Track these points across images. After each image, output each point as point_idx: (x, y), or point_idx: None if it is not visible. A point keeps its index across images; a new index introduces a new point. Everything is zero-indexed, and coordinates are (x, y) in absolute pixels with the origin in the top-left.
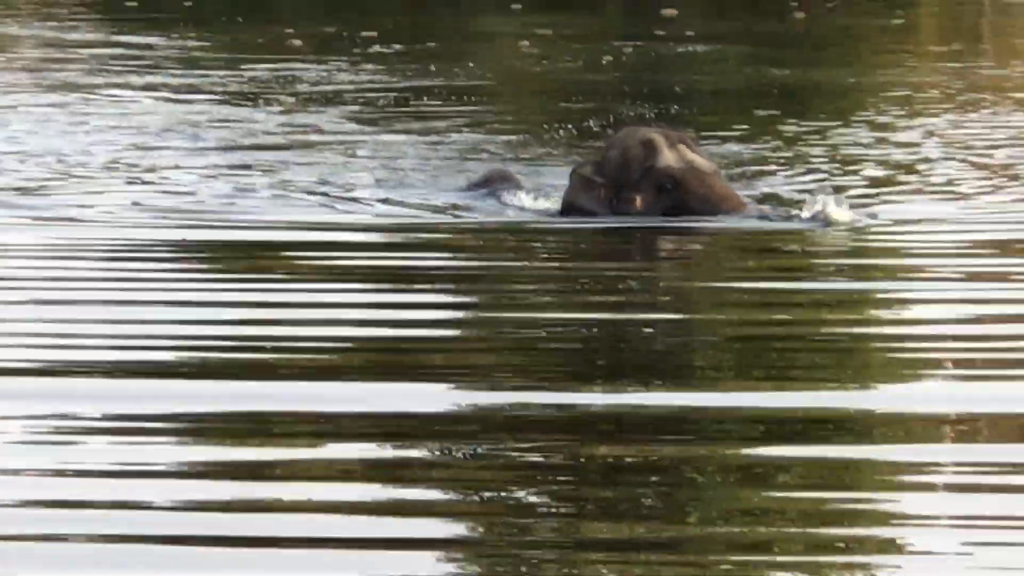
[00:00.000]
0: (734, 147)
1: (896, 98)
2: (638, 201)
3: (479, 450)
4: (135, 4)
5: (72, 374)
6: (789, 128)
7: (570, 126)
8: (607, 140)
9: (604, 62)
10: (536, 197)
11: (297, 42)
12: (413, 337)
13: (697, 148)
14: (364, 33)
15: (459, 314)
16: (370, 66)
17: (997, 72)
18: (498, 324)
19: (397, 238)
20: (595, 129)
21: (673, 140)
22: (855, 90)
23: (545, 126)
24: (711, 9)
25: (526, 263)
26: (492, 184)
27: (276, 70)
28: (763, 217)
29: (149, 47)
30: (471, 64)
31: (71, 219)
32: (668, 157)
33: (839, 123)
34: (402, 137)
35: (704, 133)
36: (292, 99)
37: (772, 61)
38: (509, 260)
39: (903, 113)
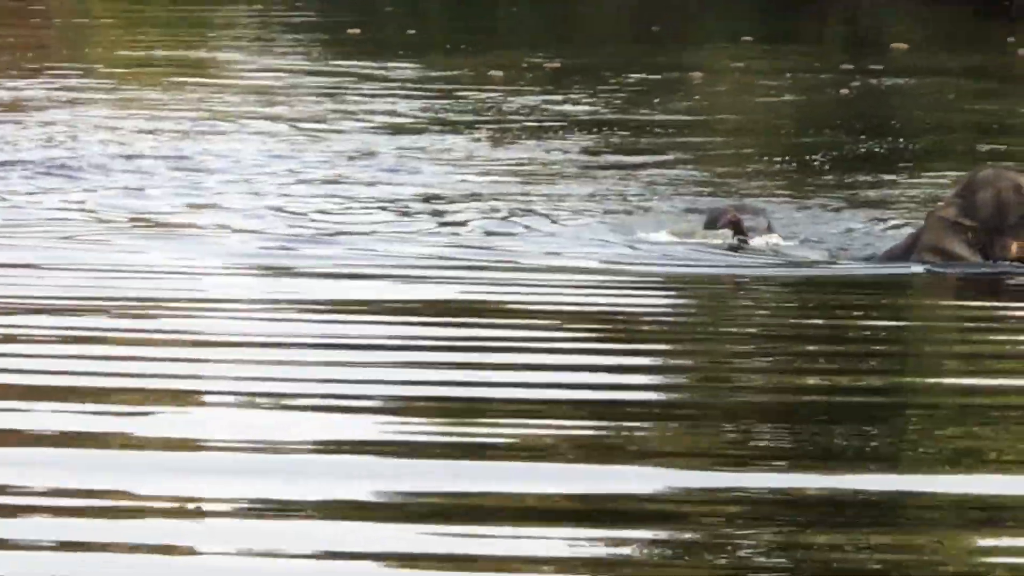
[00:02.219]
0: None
1: None
2: (1014, 248)
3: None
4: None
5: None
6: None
7: (793, 161)
8: (966, 182)
9: (827, 96)
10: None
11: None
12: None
13: None
14: (604, 71)
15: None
16: (607, 98)
17: None
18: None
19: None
20: (818, 164)
21: None
22: None
23: (768, 160)
24: (937, 43)
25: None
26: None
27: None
28: None
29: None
30: (696, 96)
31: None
32: None
33: None
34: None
35: (927, 167)
36: (525, 129)
37: (994, 95)
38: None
39: None
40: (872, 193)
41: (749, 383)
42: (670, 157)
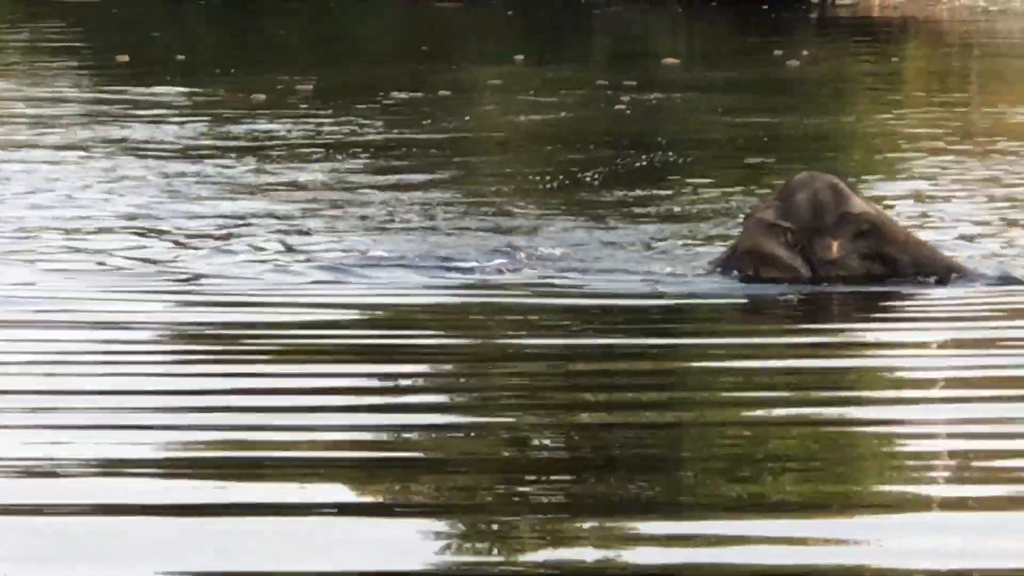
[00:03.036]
0: (734, 197)
1: (890, 143)
2: (835, 247)
3: None
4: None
5: None
6: (780, 176)
7: (563, 178)
8: (783, 186)
9: (599, 111)
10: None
11: (300, 91)
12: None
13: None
14: (372, 91)
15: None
16: (376, 118)
17: (991, 115)
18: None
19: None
20: (590, 181)
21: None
22: (845, 136)
23: (539, 178)
24: (707, 58)
25: None
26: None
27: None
28: (981, 276)
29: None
30: (466, 117)
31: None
32: (859, 202)
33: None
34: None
35: (692, 181)
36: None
37: (764, 109)
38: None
39: (897, 158)
40: (642, 209)
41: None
42: (444, 176)
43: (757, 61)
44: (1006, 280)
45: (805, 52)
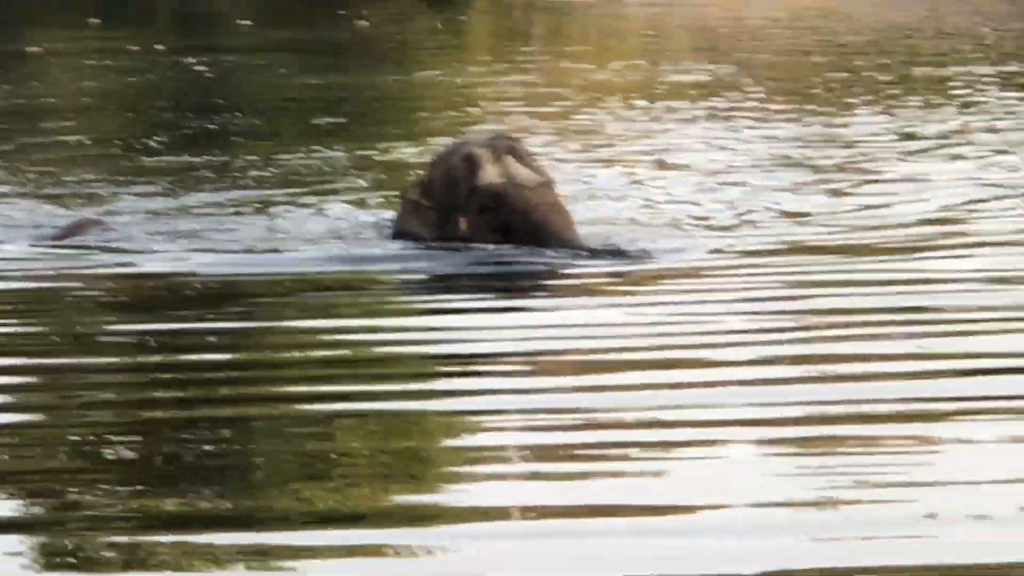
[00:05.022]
0: (312, 158)
1: (458, 101)
2: (463, 224)
3: None
4: None
5: None
6: (350, 136)
7: (135, 144)
8: (433, 158)
9: (171, 75)
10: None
11: None
12: None
13: (527, 157)
14: None
15: None
16: None
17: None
18: None
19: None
20: (161, 146)
21: (500, 151)
22: (414, 94)
23: (110, 145)
24: (278, 19)
25: None
26: (84, 232)
27: None
28: (589, 250)
29: None
30: (35, 81)
31: None
32: (490, 172)
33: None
34: None
35: (263, 143)
36: None
37: (335, 69)
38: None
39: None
40: (214, 174)
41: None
42: (7, 147)
43: (325, 21)
44: (616, 255)
45: (365, 11)
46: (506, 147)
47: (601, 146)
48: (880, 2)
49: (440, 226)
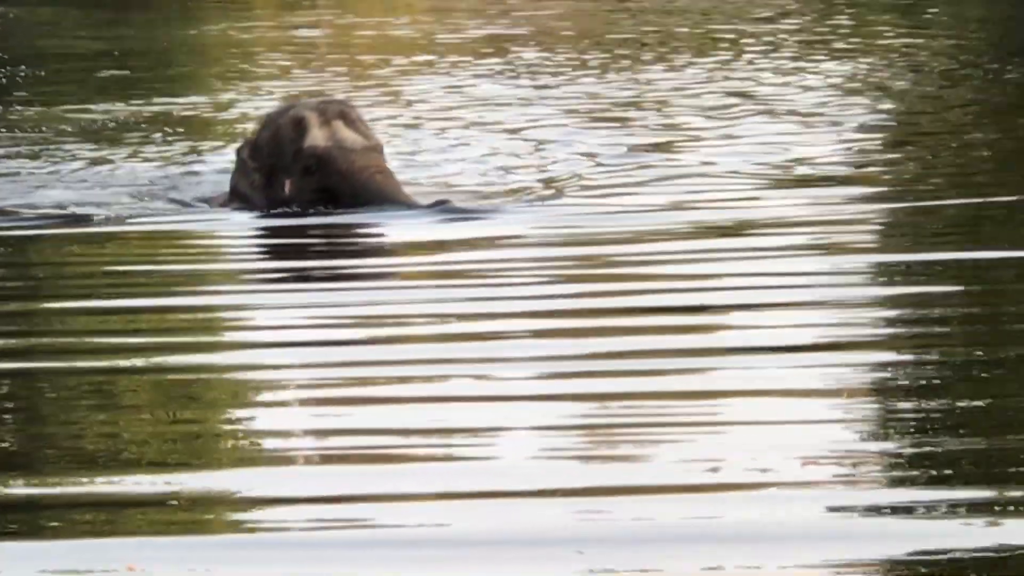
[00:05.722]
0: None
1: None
2: (287, 186)
3: None
4: None
5: None
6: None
7: None
8: (262, 118)
9: None
10: None
11: None
12: None
13: (358, 122)
14: None
15: None
16: None
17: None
18: None
19: None
20: None
21: (329, 115)
22: (199, 48)
23: None
24: None
25: None
26: None
27: None
28: (404, 204)
29: None
30: None
31: None
32: (317, 135)
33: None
34: None
35: (43, 97)
36: None
37: (113, 24)
38: None
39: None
40: None
41: None
42: None
43: None
44: (448, 211)
45: None
46: (336, 111)
47: (397, 104)
48: None
49: (265, 187)
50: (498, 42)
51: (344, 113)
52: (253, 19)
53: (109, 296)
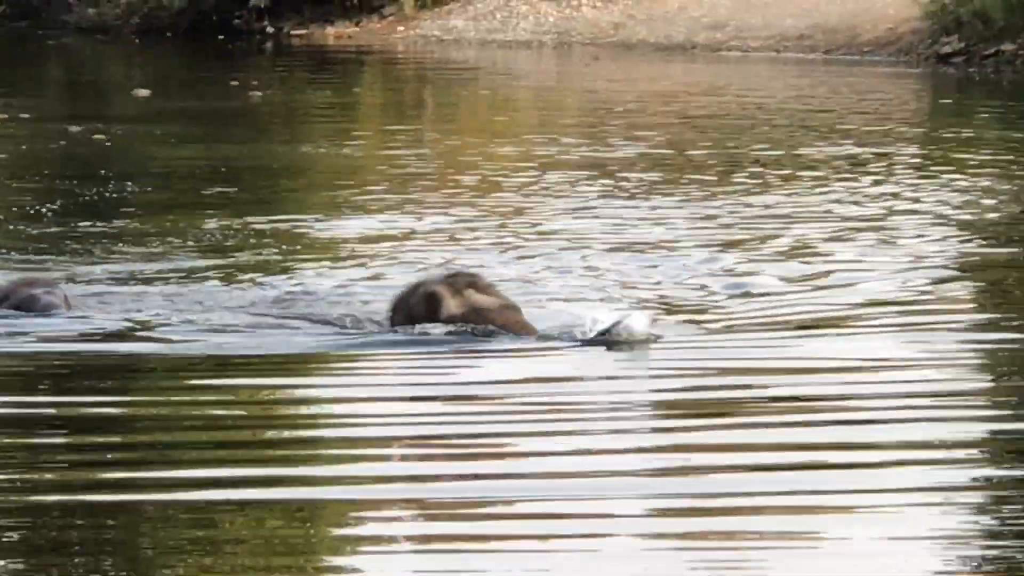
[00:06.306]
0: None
1: (351, 175)
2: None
3: None
4: None
5: None
6: (245, 207)
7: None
8: (394, 298)
9: (72, 144)
10: None
11: None
12: None
13: (488, 286)
14: None
15: None
16: None
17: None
18: None
19: None
20: (54, 215)
21: (459, 286)
22: (306, 167)
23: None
24: (176, 89)
25: None
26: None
27: None
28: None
29: None
30: None
31: None
32: (451, 305)
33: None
34: None
35: (156, 213)
36: None
37: (230, 140)
38: None
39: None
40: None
41: None
42: None
43: (219, 92)
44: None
45: (255, 82)
46: (466, 281)
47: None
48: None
49: None
50: (602, 165)
51: (473, 282)
52: (358, 136)
53: None
